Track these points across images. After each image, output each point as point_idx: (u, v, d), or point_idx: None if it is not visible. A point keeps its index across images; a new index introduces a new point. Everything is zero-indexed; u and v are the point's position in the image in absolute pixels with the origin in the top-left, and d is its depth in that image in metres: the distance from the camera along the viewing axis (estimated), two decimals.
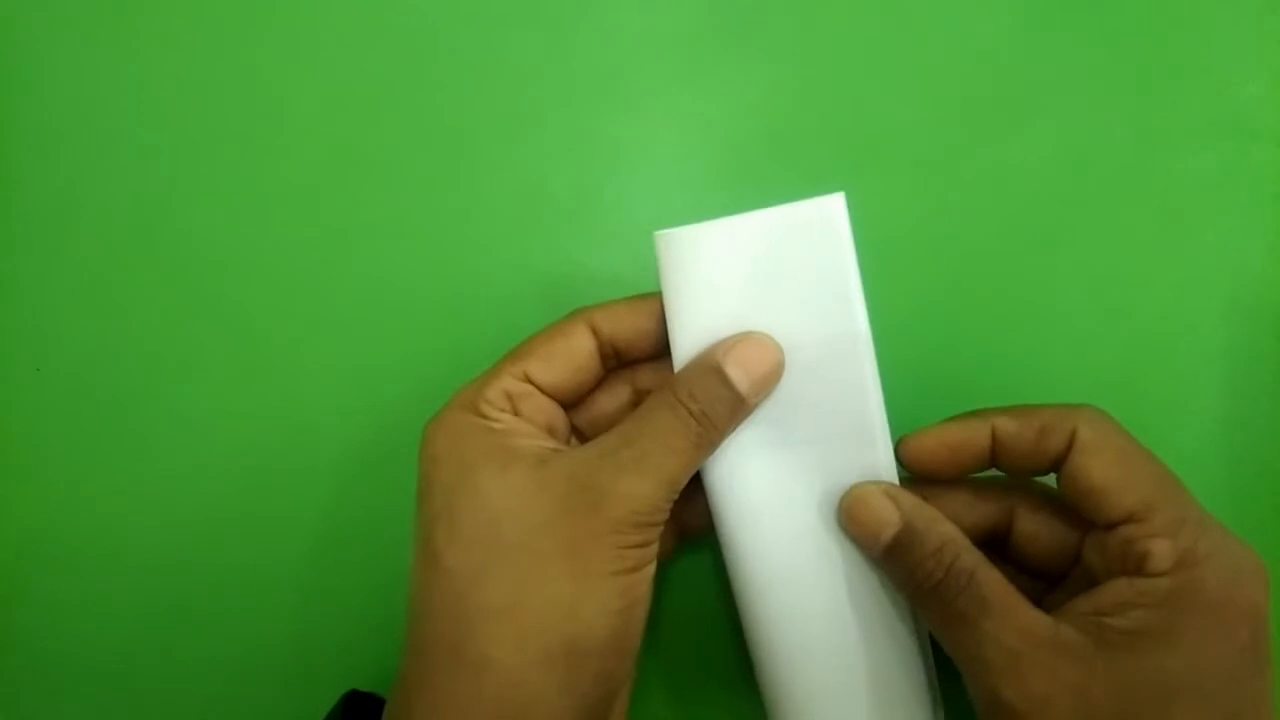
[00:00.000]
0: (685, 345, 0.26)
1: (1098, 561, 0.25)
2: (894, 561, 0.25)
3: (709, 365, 0.26)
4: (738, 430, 0.26)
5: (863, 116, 0.33)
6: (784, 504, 0.26)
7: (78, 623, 0.32)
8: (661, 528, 0.25)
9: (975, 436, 0.26)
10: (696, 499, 0.27)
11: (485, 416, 0.26)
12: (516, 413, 0.27)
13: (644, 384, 0.29)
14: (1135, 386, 0.32)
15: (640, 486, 0.24)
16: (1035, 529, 0.27)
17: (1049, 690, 0.22)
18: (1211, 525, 0.24)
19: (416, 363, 0.32)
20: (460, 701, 0.24)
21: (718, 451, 0.26)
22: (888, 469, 0.26)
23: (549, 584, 0.24)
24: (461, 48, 0.34)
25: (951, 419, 0.27)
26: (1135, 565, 0.23)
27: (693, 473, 0.26)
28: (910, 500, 0.25)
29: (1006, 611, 0.23)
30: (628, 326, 0.28)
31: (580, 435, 0.29)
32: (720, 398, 0.25)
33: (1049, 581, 0.27)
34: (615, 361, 0.28)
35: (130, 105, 0.34)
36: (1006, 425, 0.26)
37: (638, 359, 0.28)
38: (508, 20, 0.34)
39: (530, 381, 0.27)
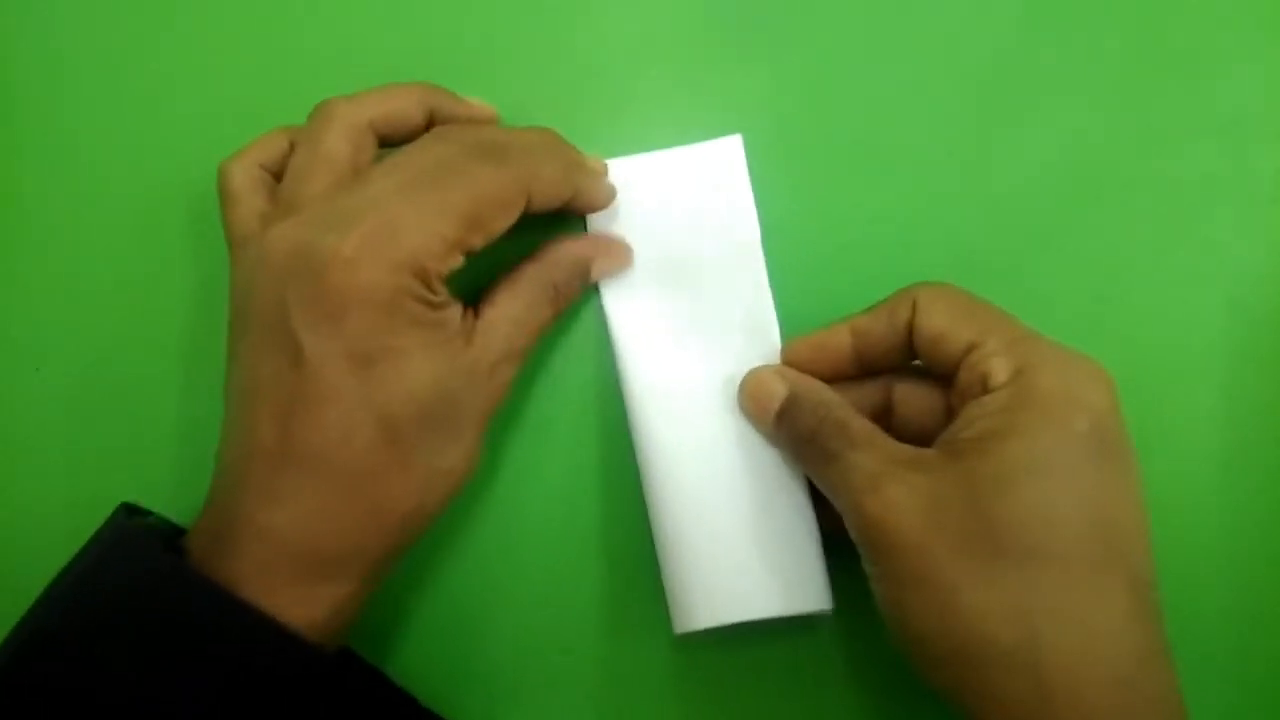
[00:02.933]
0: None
1: (955, 399, 0.27)
2: (781, 426, 0.29)
3: (578, 263, 0.30)
4: (650, 328, 0.31)
5: (862, 115, 0.33)
6: (689, 388, 0.30)
7: None
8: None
9: (837, 335, 0.29)
10: None
11: (433, 304, 0.26)
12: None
13: None
14: (1134, 386, 0.32)
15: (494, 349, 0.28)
16: (909, 397, 0.29)
17: (903, 496, 0.24)
18: (1047, 342, 0.26)
19: None
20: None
21: (630, 342, 0.31)
22: (777, 356, 0.30)
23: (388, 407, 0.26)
24: (461, 47, 0.34)
25: (817, 330, 0.30)
26: (979, 386, 0.25)
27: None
28: (796, 375, 0.29)
29: (871, 443, 0.26)
30: (399, 118, 0.29)
31: None
32: (575, 282, 0.31)
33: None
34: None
35: (130, 106, 0.34)
36: (862, 318, 0.29)
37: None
38: (507, 19, 0.34)
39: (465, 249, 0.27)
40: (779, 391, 0.29)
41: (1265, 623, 0.31)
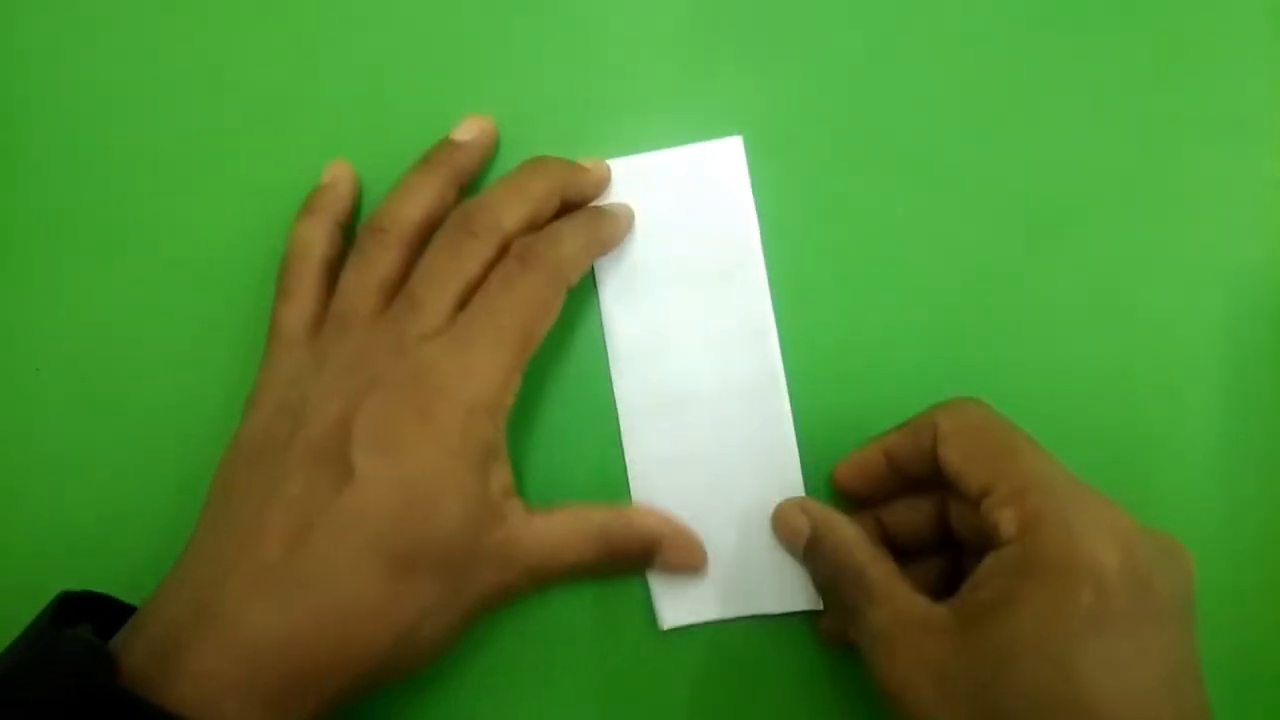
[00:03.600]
0: (607, 271, 0.32)
1: (978, 539, 0.26)
2: (808, 562, 0.28)
3: (649, 545, 0.29)
4: (646, 330, 0.31)
5: (861, 115, 0.33)
6: (683, 390, 0.31)
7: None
8: None
9: (873, 457, 0.28)
10: None
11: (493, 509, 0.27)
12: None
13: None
14: (1134, 386, 0.32)
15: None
16: (962, 515, 0.27)
17: (913, 668, 0.23)
18: (1059, 487, 0.24)
19: None
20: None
21: (626, 343, 0.31)
22: (774, 356, 0.31)
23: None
24: (461, 46, 0.34)
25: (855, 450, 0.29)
26: (991, 537, 0.24)
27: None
28: (818, 510, 0.28)
29: (887, 599, 0.25)
30: (439, 209, 0.30)
31: None
32: (635, 558, 0.30)
33: None
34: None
35: (131, 109, 0.34)
36: (891, 437, 0.28)
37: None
38: (507, 19, 0.34)
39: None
40: (802, 529, 0.28)
41: (1266, 623, 0.31)
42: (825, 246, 0.32)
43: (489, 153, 0.32)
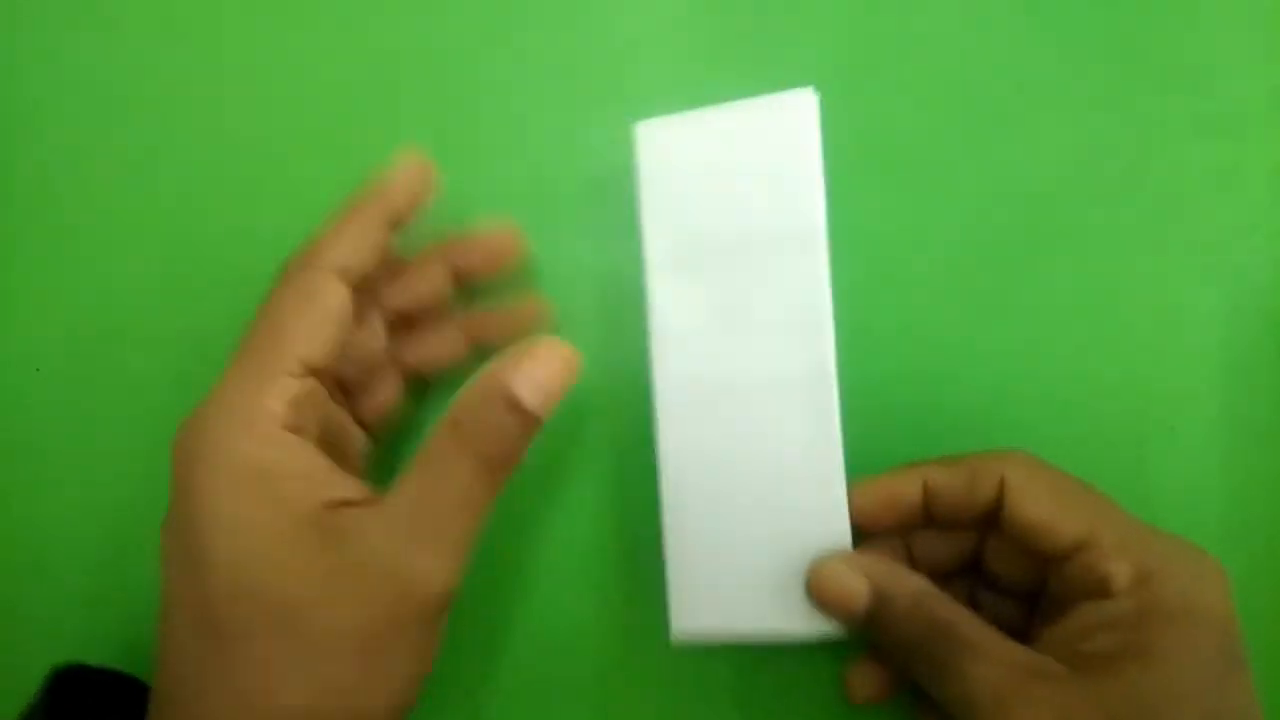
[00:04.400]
0: (657, 241, 0.28)
1: (1061, 588, 0.25)
2: (874, 627, 0.25)
3: (495, 393, 0.23)
4: (690, 314, 0.27)
5: (860, 115, 0.33)
6: (725, 382, 0.27)
7: (77, 622, 0.32)
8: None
9: (908, 489, 0.27)
10: None
11: (267, 442, 0.23)
12: (301, 429, 0.24)
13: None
14: (1133, 386, 0.32)
15: (440, 560, 0.23)
16: (1003, 553, 0.27)
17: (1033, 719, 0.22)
18: (1160, 536, 0.24)
19: None
20: None
21: (666, 329, 0.28)
22: (829, 360, 0.27)
23: (351, 688, 0.22)
24: (461, 46, 0.34)
25: (886, 473, 0.27)
26: (1096, 589, 0.24)
27: (490, 513, 0.24)
28: (874, 564, 0.25)
29: (988, 652, 0.24)
30: (367, 249, 0.26)
31: (342, 385, 0.28)
32: (509, 429, 0.23)
33: (1026, 598, 0.27)
34: (366, 292, 0.27)
35: (131, 106, 0.34)
36: (937, 475, 0.26)
37: (374, 276, 0.26)
38: (507, 18, 0.34)
39: (310, 371, 0.24)
40: (859, 590, 0.25)
41: (1266, 622, 0.31)
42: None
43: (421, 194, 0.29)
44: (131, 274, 0.33)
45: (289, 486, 0.23)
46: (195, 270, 0.33)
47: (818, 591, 0.25)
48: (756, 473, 0.27)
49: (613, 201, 0.32)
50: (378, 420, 0.29)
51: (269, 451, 0.23)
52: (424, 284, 0.29)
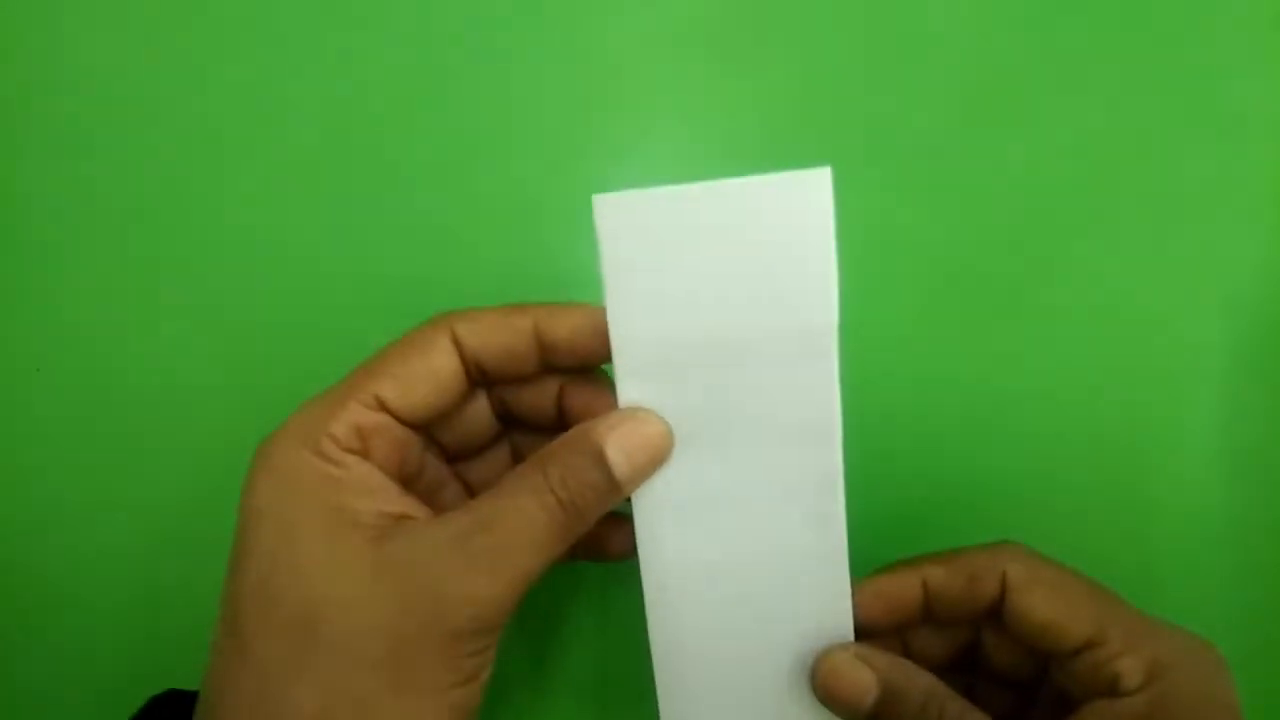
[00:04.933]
0: (628, 344, 0.24)
1: (1068, 683, 0.25)
2: None
3: (586, 447, 0.23)
4: (678, 405, 0.24)
5: (860, 115, 0.33)
6: (725, 505, 0.25)
7: (76, 623, 0.32)
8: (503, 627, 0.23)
9: (908, 591, 0.26)
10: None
11: (326, 458, 0.23)
12: (366, 453, 0.23)
13: (571, 403, 0.26)
14: (1133, 386, 0.32)
15: (490, 588, 0.22)
16: (1002, 647, 0.27)
17: None
18: (1165, 630, 0.24)
19: None
20: None
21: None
22: (838, 471, 0.24)
23: (369, 697, 0.21)
24: (460, 46, 0.34)
25: (882, 570, 0.26)
26: (1108, 687, 0.24)
27: (550, 566, 0.23)
28: (884, 659, 0.25)
29: None
30: (496, 346, 0.25)
31: (444, 451, 0.27)
32: (594, 485, 0.23)
33: (1023, 689, 0.27)
34: (481, 380, 0.25)
35: (132, 106, 0.34)
36: (936, 574, 0.26)
37: (506, 381, 0.25)
38: (507, 17, 0.34)
39: (384, 408, 0.24)
40: (868, 684, 0.24)
41: (1266, 622, 0.31)
42: None
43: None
44: (132, 274, 0.33)
45: (339, 492, 0.22)
46: (197, 270, 0.33)
47: (825, 684, 0.25)
48: (749, 584, 0.25)
49: None
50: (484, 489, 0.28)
51: (324, 463, 0.23)
52: (541, 398, 0.26)
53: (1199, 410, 0.32)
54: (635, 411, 0.24)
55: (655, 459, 0.24)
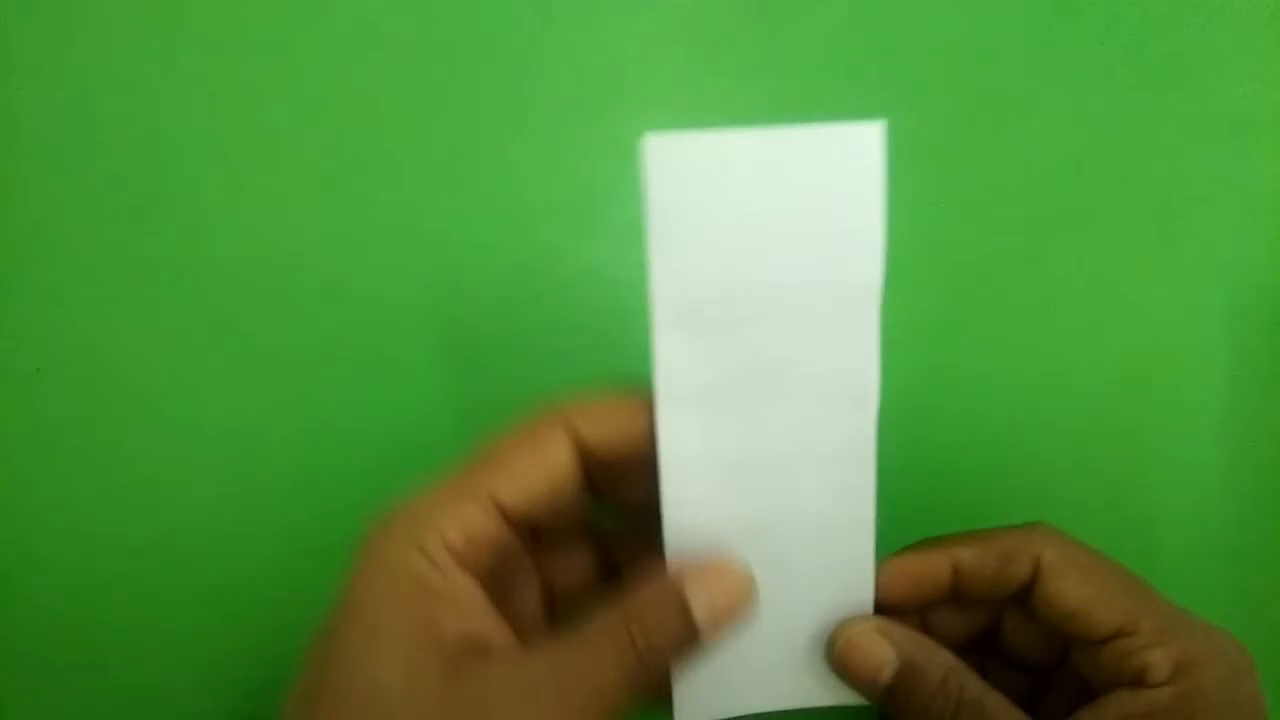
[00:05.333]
0: (668, 288, 0.23)
1: (1091, 671, 0.25)
2: (898, 698, 0.24)
3: (670, 594, 0.23)
4: (708, 374, 0.23)
5: (862, 115, 0.33)
6: (753, 466, 0.24)
7: (75, 623, 0.32)
8: None
9: (937, 570, 0.26)
10: None
11: (431, 561, 0.22)
12: (468, 563, 0.23)
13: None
14: (1134, 385, 0.32)
15: None
16: (1024, 630, 0.26)
17: None
18: (1193, 624, 0.24)
19: (421, 364, 0.32)
20: None
21: (669, 402, 0.23)
22: (870, 434, 0.24)
23: None
24: (460, 46, 0.34)
25: (909, 549, 0.26)
26: (1134, 677, 0.23)
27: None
28: (903, 633, 0.24)
29: None
30: (619, 439, 0.24)
31: (534, 537, 0.26)
32: (673, 634, 0.22)
33: (1038, 673, 0.27)
34: (593, 479, 0.24)
35: (132, 106, 0.34)
36: (966, 555, 0.25)
37: (619, 472, 0.24)
38: (508, 18, 0.34)
39: (498, 507, 0.23)
40: (887, 657, 0.24)
41: (1266, 622, 0.31)
42: None
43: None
44: (132, 274, 0.33)
45: (432, 603, 0.22)
46: (197, 271, 0.33)
47: (843, 656, 0.24)
48: (772, 550, 0.24)
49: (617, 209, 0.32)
50: (565, 583, 0.27)
51: (428, 567, 0.22)
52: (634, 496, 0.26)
53: (1199, 409, 0.32)
54: (722, 561, 0.24)
55: (735, 612, 0.23)
